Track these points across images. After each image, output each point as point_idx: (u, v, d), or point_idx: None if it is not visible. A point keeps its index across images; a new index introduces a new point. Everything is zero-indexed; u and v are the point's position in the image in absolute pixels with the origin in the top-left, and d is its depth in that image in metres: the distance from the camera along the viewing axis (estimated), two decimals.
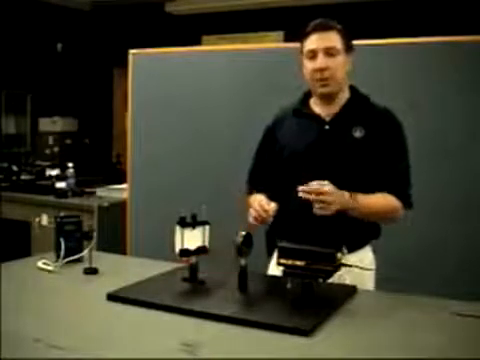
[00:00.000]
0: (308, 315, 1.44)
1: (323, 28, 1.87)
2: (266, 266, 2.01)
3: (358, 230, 1.89)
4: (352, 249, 1.82)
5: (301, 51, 1.92)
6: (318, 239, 1.62)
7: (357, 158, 1.86)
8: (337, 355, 1.25)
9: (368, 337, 1.35)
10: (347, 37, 1.90)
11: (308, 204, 1.83)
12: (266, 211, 1.76)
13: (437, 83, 2.75)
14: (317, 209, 1.70)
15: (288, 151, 1.93)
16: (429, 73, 2.77)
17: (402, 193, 1.87)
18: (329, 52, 1.84)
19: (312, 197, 1.69)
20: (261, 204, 1.78)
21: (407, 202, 1.88)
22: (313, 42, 1.86)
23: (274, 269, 1.90)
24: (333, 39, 1.86)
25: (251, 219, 1.81)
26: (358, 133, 1.87)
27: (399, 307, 1.57)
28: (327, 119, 1.91)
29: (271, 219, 1.78)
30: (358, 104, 1.93)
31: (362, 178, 1.85)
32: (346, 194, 1.74)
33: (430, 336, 1.36)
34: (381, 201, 1.84)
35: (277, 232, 1.91)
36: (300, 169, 1.89)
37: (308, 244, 1.59)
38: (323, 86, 1.87)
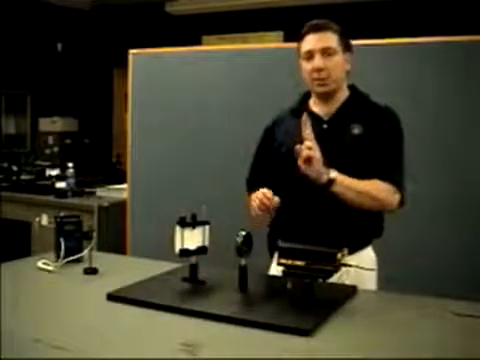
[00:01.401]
0: (308, 315, 1.44)
1: (319, 28, 1.87)
2: (267, 266, 2.01)
3: (360, 229, 1.88)
4: (354, 249, 1.81)
5: (298, 52, 1.92)
6: (319, 238, 1.62)
7: (356, 155, 1.85)
8: (337, 355, 1.24)
9: (368, 337, 1.35)
10: (344, 37, 1.90)
11: (307, 203, 1.82)
12: (269, 199, 1.76)
13: (437, 83, 2.75)
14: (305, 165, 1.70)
15: (285, 148, 1.92)
16: (429, 73, 2.77)
17: (392, 176, 1.83)
18: (326, 52, 1.84)
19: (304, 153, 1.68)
20: (264, 192, 1.78)
21: (399, 185, 1.83)
22: (309, 43, 1.87)
23: (275, 270, 1.90)
24: (329, 39, 1.86)
25: (255, 209, 1.80)
26: (357, 130, 1.86)
27: (399, 307, 1.57)
28: (325, 118, 1.91)
29: (274, 209, 1.77)
30: (357, 102, 1.93)
31: (361, 175, 1.84)
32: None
33: (429, 336, 1.36)
34: (367, 182, 1.79)
35: (278, 231, 1.91)
36: (297, 167, 1.88)
37: (309, 243, 1.58)
38: (321, 86, 1.88)
